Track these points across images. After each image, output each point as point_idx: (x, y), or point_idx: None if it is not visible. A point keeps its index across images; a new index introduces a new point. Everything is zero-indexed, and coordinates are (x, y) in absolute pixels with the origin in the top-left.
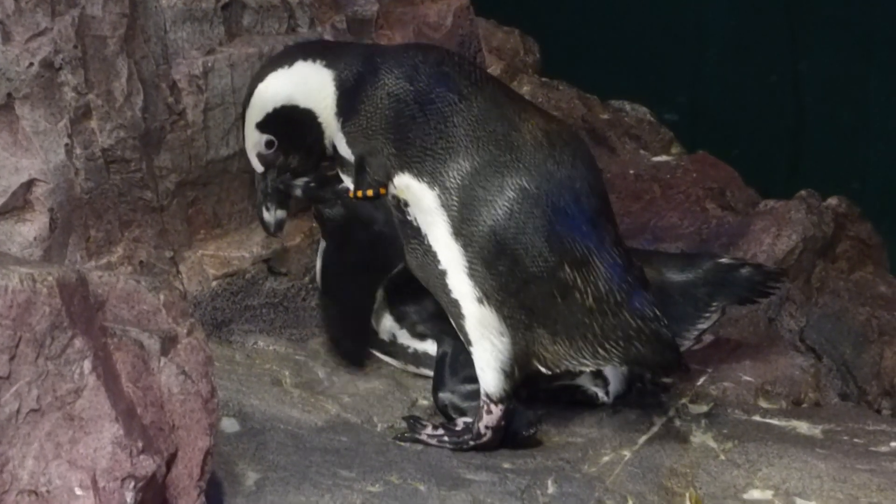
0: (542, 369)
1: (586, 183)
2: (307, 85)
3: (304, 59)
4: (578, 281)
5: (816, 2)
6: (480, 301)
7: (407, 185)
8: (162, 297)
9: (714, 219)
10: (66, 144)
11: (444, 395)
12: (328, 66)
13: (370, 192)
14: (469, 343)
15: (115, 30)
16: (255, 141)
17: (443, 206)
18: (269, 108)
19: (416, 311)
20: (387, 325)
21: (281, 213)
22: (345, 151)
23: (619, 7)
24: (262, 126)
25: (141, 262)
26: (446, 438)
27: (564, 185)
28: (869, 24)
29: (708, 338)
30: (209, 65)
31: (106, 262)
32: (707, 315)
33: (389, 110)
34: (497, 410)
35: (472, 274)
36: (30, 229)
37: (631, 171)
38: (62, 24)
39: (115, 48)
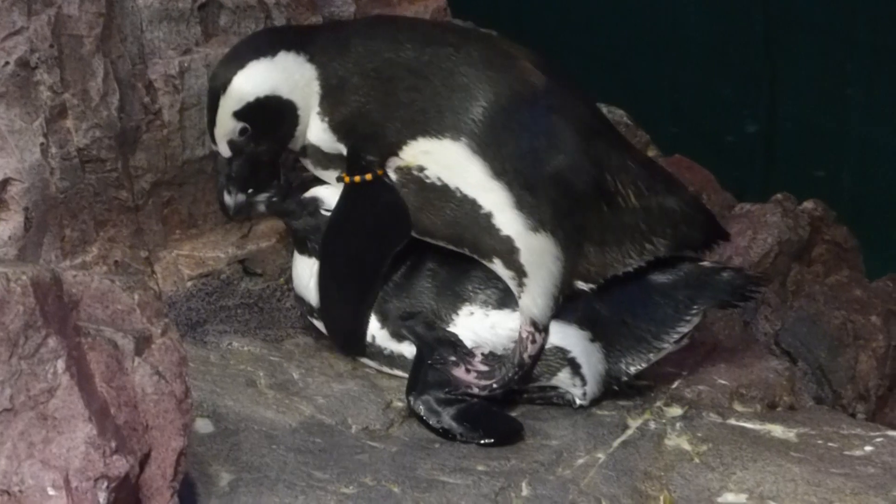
0: (584, 286)
1: (592, 101)
2: (293, 78)
3: (287, 49)
4: (619, 185)
5: (794, 4)
6: (535, 230)
7: (424, 150)
8: (136, 296)
9: None
10: (42, 143)
11: (419, 398)
12: (310, 60)
13: (368, 176)
14: (524, 275)
15: (92, 29)
16: (229, 128)
17: (474, 152)
18: (251, 98)
19: (399, 310)
20: (370, 325)
21: (241, 197)
22: (319, 140)
23: (598, 9)
24: (240, 114)
25: (116, 261)
26: (494, 385)
27: (578, 101)
28: (848, 27)
29: (686, 340)
30: (185, 65)
31: (81, 262)
32: (688, 318)
33: (384, 93)
34: (540, 339)
35: (522, 206)
36: (4, 228)
37: None
38: (38, 23)
39: (91, 48)
